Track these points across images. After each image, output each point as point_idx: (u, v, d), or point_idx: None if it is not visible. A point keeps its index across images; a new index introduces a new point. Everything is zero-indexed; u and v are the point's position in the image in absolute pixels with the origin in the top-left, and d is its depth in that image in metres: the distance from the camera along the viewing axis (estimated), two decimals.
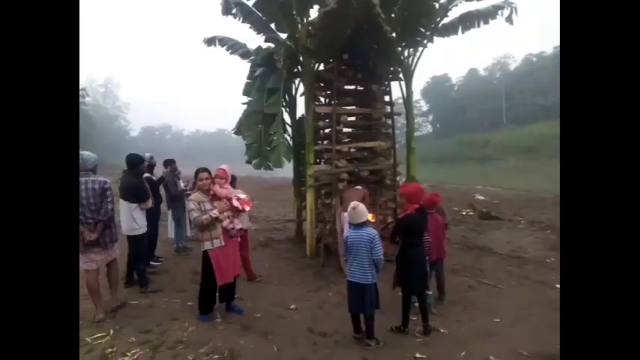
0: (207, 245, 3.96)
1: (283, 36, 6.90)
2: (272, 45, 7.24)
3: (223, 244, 3.97)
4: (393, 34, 6.11)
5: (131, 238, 4.98)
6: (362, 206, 3.46)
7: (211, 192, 4.02)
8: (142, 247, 5.16)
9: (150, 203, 5.14)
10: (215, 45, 8.36)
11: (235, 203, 4.13)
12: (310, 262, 6.34)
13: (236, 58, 8.29)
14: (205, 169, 4.16)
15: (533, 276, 5.66)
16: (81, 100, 40.60)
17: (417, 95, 71.69)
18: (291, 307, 4.51)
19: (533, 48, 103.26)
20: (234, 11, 7.21)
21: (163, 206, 7.09)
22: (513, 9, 6.66)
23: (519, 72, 64.99)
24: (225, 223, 4.01)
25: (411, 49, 6.97)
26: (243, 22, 7.21)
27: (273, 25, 6.90)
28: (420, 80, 69.02)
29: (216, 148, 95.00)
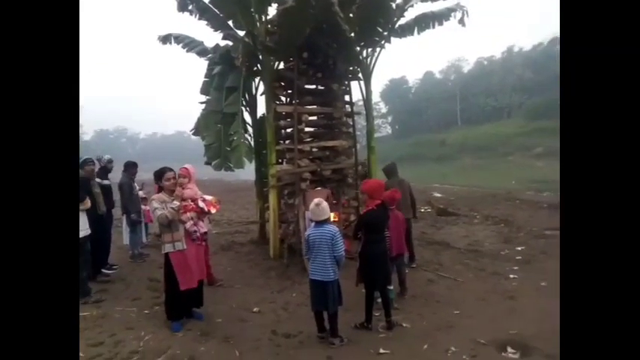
0: (169, 248, 3.77)
1: (241, 34, 6.75)
2: (230, 43, 7.06)
3: (185, 247, 3.79)
4: (352, 34, 6.18)
5: None
6: (325, 204, 3.45)
7: (175, 193, 3.81)
8: (85, 253, 4.72)
9: (88, 204, 4.76)
10: (170, 43, 8.03)
11: (201, 204, 3.95)
12: (274, 264, 6.24)
13: (193, 56, 8.03)
14: (171, 169, 3.98)
15: (489, 268, 5.92)
16: None
17: (376, 97, 73.08)
18: (254, 309, 4.41)
19: (483, 52, 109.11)
20: (190, 8, 6.97)
21: (116, 211, 6.72)
22: (465, 12, 6.94)
23: (472, 75, 68.18)
24: (189, 225, 3.82)
25: (370, 49, 7.08)
26: (199, 19, 6.99)
27: (230, 23, 6.73)
28: (378, 82, 70.66)
29: (175, 151, 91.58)
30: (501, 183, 21.98)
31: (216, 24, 6.88)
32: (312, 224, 3.52)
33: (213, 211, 4.00)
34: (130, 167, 6.79)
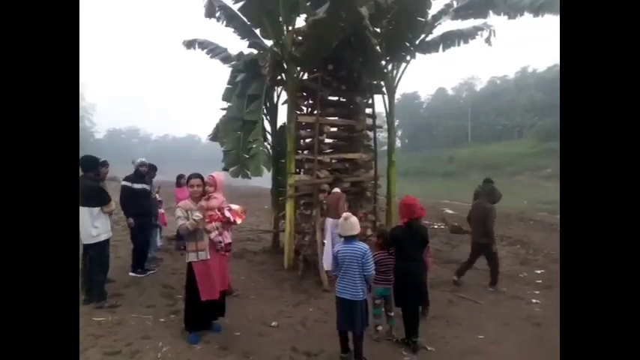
0: (192, 257, 3.69)
1: (268, 42, 6.77)
2: (255, 51, 7.08)
3: (209, 257, 3.70)
4: (378, 48, 6.16)
5: (90, 247, 4.51)
6: (354, 218, 3.36)
7: (200, 203, 3.71)
8: (104, 256, 4.67)
9: (113, 205, 4.71)
10: (195, 48, 8.12)
11: (227, 214, 3.84)
12: (288, 275, 6.13)
13: (215, 63, 8.09)
14: (198, 175, 3.86)
15: (509, 291, 5.75)
16: None
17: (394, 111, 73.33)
18: (272, 324, 4.29)
19: (497, 71, 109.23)
20: (217, 14, 7.02)
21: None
22: (492, 31, 6.90)
23: (484, 93, 68.12)
24: (214, 235, 3.73)
25: (395, 64, 7.05)
26: (226, 25, 7.03)
27: (257, 31, 6.74)
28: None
29: (185, 154, 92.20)
30: (512, 202, 21.66)
31: (243, 32, 6.91)
32: (341, 240, 3.43)
33: (239, 221, 3.91)
34: (149, 170, 6.70)
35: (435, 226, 12.01)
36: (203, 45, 8.00)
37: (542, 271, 6.82)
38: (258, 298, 5.14)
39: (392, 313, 4.05)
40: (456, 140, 63.38)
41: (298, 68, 6.41)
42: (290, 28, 6.44)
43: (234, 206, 3.91)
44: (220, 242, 3.75)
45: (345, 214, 3.37)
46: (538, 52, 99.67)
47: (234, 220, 3.84)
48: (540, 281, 6.22)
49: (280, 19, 6.25)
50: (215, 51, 7.93)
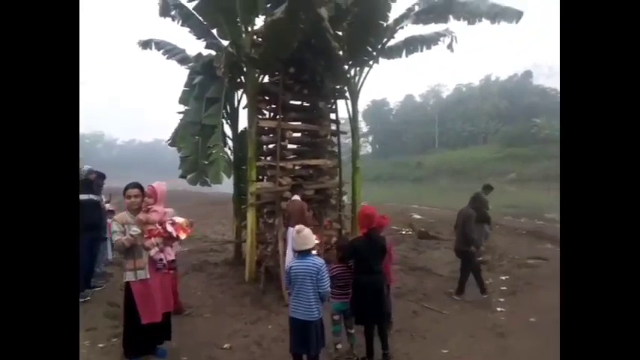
0: (130, 276, 3.31)
1: (226, 43, 6.46)
2: (214, 52, 6.75)
3: (149, 276, 3.33)
4: (341, 52, 6.00)
5: None
6: (308, 230, 3.11)
7: (138, 217, 3.36)
8: None
9: None
10: (151, 48, 7.69)
11: (169, 229, 3.44)
12: (249, 289, 5.79)
13: (176, 64, 7.67)
14: (136, 185, 3.49)
15: (475, 299, 5.68)
16: None
17: (358, 116, 74.11)
18: (225, 345, 3.95)
19: (462, 79, 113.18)
20: (172, 13, 6.65)
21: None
22: (454, 37, 6.92)
23: (450, 100, 70.22)
24: (153, 252, 3.35)
25: (358, 68, 6.92)
26: (182, 25, 6.66)
27: (215, 32, 6.42)
28: (361, 102, 71.86)
29: (151, 160, 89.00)
30: None
31: (200, 32, 6.57)
32: (295, 255, 3.17)
33: (182, 236, 3.51)
34: (97, 178, 6.19)
35: (403, 232, 11.99)
36: (159, 45, 7.58)
37: (507, 277, 6.83)
38: (213, 316, 4.78)
39: (352, 330, 3.81)
40: (424, 146, 64.84)
41: (258, 71, 6.12)
42: (249, 29, 6.17)
43: (179, 219, 3.53)
44: (161, 260, 3.38)
45: (297, 227, 3.11)
46: (500, 60, 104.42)
47: (178, 235, 3.46)
48: (505, 288, 6.20)
49: (238, 20, 5.97)
50: (172, 52, 7.53)
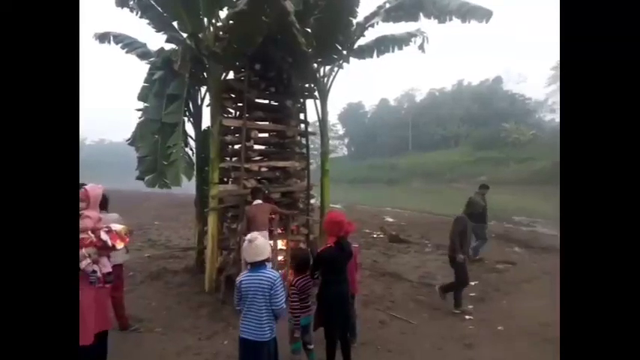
0: None
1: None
2: (175, 46, 6.33)
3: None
4: (309, 49, 5.74)
5: None
6: (261, 240, 2.80)
7: None
8: None
9: None
10: (109, 42, 7.17)
11: (104, 237, 3.06)
12: (207, 299, 5.42)
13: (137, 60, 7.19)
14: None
15: (443, 306, 5.54)
16: None
17: (334, 119, 74.67)
18: None
19: (435, 83, 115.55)
20: (130, 4, 6.19)
21: None
22: (425, 38, 6.80)
23: (424, 104, 71.49)
24: (84, 264, 2.95)
25: (327, 68, 6.69)
26: (140, 17, 6.21)
27: (176, 24, 6.01)
28: (337, 105, 72.36)
29: (122, 159, 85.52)
30: (449, 209, 22.47)
31: (159, 24, 6.13)
32: (247, 265, 2.87)
33: (119, 246, 3.13)
34: None
35: (374, 236, 11.86)
36: (118, 39, 7.08)
37: (477, 282, 6.76)
38: (165, 331, 4.39)
39: (311, 346, 3.54)
40: (398, 149, 65.65)
41: (221, 66, 5.77)
42: (213, 21, 5.82)
43: (116, 226, 3.15)
44: (95, 273, 2.98)
45: (249, 236, 2.81)
46: (472, 66, 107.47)
47: (113, 245, 3.07)
48: (474, 294, 6.11)
49: (200, 12, 5.61)
50: (132, 46, 7.05)
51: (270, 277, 2.74)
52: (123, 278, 4.24)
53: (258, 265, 2.78)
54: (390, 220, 15.90)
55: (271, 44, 5.66)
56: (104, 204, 3.75)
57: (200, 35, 5.71)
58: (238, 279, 2.85)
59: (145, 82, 6.83)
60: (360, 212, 18.32)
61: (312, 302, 3.56)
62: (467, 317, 5.12)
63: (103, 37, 7.16)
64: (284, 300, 2.78)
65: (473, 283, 6.71)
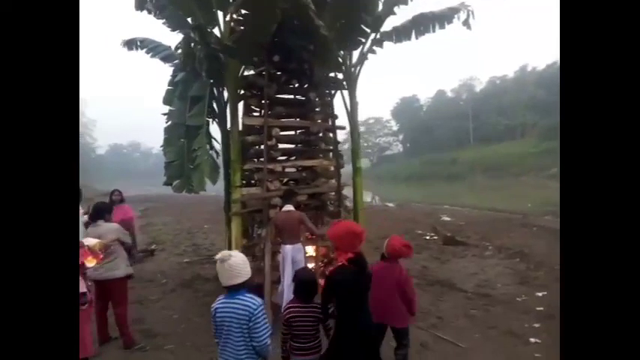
0: None
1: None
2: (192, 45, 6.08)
3: None
4: (329, 34, 5.13)
5: None
6: (236, 259, 2.22)
7: None
8: None
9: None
10: (136, 48, 7.18)
11: None
12: None
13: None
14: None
15: (502, 323, 4.64)
16: None
17: (387, 115, 72.94)
18: None
19: (496, 71, 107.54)
20: (148, 5, 6.06)
21: None
22: (470, 12, 5.85)
23: (484, 93, 66.82)
24: None
25: (356, 54, 6.01)
26: (158, 18, 6.06)
27: (190, 20, 5.75)
28: (389, 101, 70.61)
29: None
30: (516, 205, 20.31)
31: (175, 23, 5.91)
32: (221, 296, 2.31)
33: (90, 263, 2.77)
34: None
35: (427, 237, 10.85)
36: (143, 44, 7.05)
37: (545, 293, 5.66)
38: (175, 349, 4.04)
39: None
40: (458, 142, 62.03)
41: (237, 61, 5.37)
42: (228, 17, 5.45)
43: (90, 241, 2.80)
44: None
45: (221, 255, 2.25)
46: (536, 50, 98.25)
47: (82, 263, 2.71)
48: (542, 308, 5.07)
49: (213, 6, 5.26)
50: (156, 50, 6.97)
51: (249, 306, 2.17)
52: (126, 292, 3.95)
53: (235, 290, 2.22)
54: (447, 219, 14.62)
55: (289, 33, 5.15)
56: (98, 215, 3.47)
57: (215, 30, 5.37)
58: (213, 305, 2.31)
59: (168, 85, 6.72)
60: (414, 211, 17.22)
61: (318, 340, 2.75)
62: (532, 340, 4.17)
63: (130, 44, 7.18)
64: (267, 334, 2.19)
65: (540, 294, 5.65)
